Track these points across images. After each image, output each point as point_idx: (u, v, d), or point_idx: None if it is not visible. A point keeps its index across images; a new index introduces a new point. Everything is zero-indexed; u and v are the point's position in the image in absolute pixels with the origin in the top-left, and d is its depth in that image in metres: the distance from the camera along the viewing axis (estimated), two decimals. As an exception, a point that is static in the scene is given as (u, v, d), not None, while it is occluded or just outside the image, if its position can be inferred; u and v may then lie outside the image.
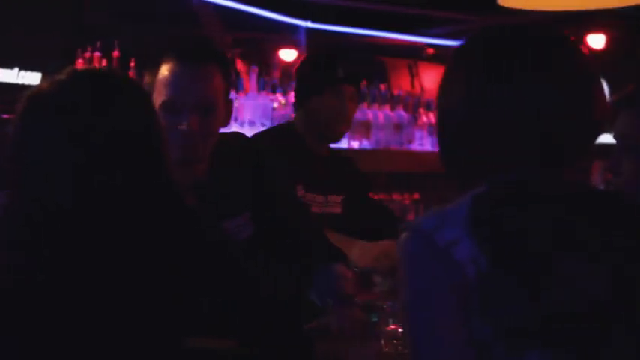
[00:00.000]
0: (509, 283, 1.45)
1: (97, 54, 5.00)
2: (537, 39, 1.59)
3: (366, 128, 5.95)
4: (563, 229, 1.50)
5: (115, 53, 5.08)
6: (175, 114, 2.51)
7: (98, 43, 5.01)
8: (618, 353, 1.48)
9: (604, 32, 7.31)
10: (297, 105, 3.44)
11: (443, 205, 1.54)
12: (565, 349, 1.45)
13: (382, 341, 2.66)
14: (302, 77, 3.46)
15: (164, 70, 2.53)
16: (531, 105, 1.52)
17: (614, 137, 2.23)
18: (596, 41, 7.40)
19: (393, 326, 2.66)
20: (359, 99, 3.50)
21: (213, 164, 2.64)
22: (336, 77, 3.35)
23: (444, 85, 1.62)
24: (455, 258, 1.45)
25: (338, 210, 3.50)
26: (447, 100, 1.62)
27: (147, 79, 2.59)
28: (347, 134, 5.69)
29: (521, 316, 1.44)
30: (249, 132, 5.36)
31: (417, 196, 6.20)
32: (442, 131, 1.63)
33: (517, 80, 1.54)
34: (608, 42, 7.34)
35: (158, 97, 2.52)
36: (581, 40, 7.38)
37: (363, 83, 5.97)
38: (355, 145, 5.82)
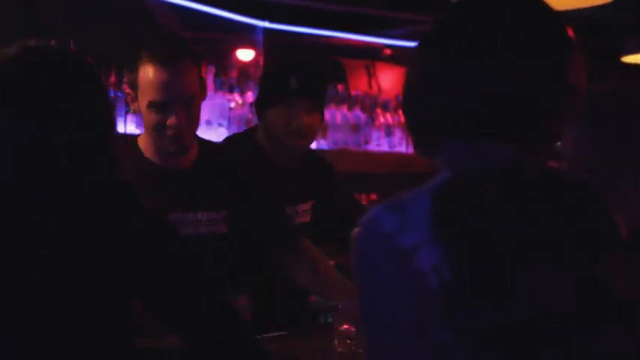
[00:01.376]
0: (472, 291, 1.42)
1: (52, 53, 4.95)
2: (507, 11, 1.56)
3: (323, 128, 5.95)
4: (527, 230, 1.47)
5: (70, 52, 5.03)
6: (163, 111, 2.79)
7: (53, 43, 4.96)
8: None
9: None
10: (257, 116, 3.39)
11: (396, 198, 1.49)
12: (526, 358, 1.44)
13: (335, 341, 2.66)
14: (259, 89, 3.41)
15: (147, 72, 2.79)
16: (495, 81, 1.49)
17: (563, 156, 2.10)
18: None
19: (346, 326, 2.66)
20: (320, 110, 3.40)
21: (198, 159, 2.97)
22: (288, 89, 3.27)
23: (410, 67, 1.61)
24: (416, 267, 1.41)
25: (307, 219, 3.46)
26: (410, 78, 1.60)
27: (127, 77, 2.87)
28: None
29: (483, 325, 1.41)
30: (206, 132, 5.36)
31: (374, 196, 6.20)
32: (406, 100, 1.61)
33: (480, 54, 1.52)
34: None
35: (144, 97, 2.80)
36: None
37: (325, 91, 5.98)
38: (312, 145, 5.81)
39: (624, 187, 2.00)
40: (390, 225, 1.44)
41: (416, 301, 1.42)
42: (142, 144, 2.94)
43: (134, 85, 2.83)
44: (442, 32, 1.60)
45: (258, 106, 3.34)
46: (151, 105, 2.80)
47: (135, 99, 2.84)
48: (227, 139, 3.61)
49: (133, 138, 3.02)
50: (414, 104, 1.58)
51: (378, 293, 1.45)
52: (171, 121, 2.80)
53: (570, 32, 1.56)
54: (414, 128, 1.61)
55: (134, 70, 2.82)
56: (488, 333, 1.41)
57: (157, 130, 2.81)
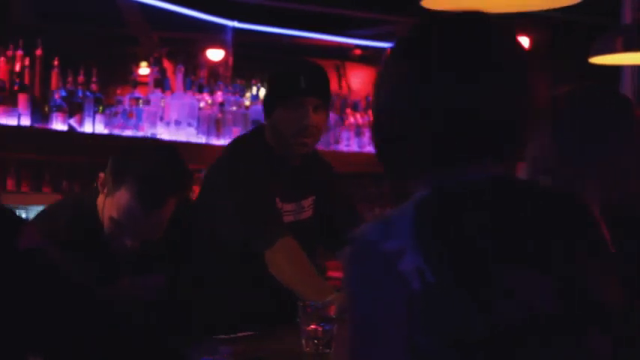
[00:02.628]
0: (453, 295, 1.42)
1: (20, 52, 4.94)
2: (467, 29, 1.56)
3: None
4: (505, 236, 1.48)
5: (38, 52, 5.02)
6: (121, 233, 2.74)
7: (20, 42, 4.94)
8: None
9: (527, 35, 7.39)
10: (265, 116, 3.40)
11: (386, 212, 1.52)
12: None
13: (303, 341, 2.66)
14: (267, 88, 3.42)
15: (125, 197, 2.69)
16: (464, 99, 1.50)
17: (525, 158, 2.12)
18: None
19: (313, 326, 2.66)
20: (327, 110, 3.43)
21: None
22: (297, 89, 3.29)
23: (377, 85, 1.60)
24: (400, 270, 1.43)
25: (310, 212, 3.47)
26: (378, 100, 1.60)
27: (105, 179, 2.74)
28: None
29: (464, 328, 1.42)
30: (175, 131, 5.36)
31: (344, 196, 6.21)
32: (376, 131, 1.61)
33: (447, 75, 1.51)
34: (532, 44, 7.43)
35: (111, 209, 2.72)
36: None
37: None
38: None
39: (587, 186, 2.02)
40: (376, 235, 1.46)
41: (402, 305, 1.43)
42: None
43: (110, 188, 2.74)
44: (407, 54, 1.59)
45: (267, 105, 3.35)
46: (113, 222, 2.73)
47: (107, 186, 2.75)
48: (236, 139, 3.62)
49: None
50: (389, 135, 1.58)
51: (367, 299, 1.47)
52: (126, 243, 2.76)
53: (525, 49, 1.58)
54: (393, 162, 1.61)
55: (117, 182, 2.71)
56: (469, 335, 1.42)
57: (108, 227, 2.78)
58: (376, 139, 1.62)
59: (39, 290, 1.87)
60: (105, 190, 2.76)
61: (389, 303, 1.44)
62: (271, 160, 3.31)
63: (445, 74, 1.51)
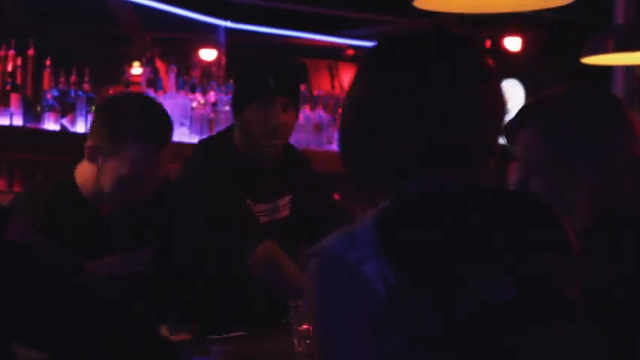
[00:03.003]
0: (413, 295, 1.44)
1: (12, 52, 4.93)
2: (438, 40, 1.59)
3: (286, 128, 5.96)
4: (467, 238, 1.50)
5: (30, 51, 5.02)
6: (130, 188, 2.79)
7: (13, 41, 4.94)
8: None
9: (520, 35, 7.40)
10: (233, 115, 3.36)
11: (347, 227, 1.51)
12: (476, 353, 1.46)
13: (295, 341, 2.66)
14: (235, 87, 3.38)
15: (135, 146, 2.74)
16: (428, 107, 1.52)
17: (517, 159, 2.09)
18: (513, 44, 7.50)
19: (305, 326, 2.66)
20: (297, 109, 3.39)
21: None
22: (266, 88, 3.25)
23: (349, 91, 1.62)
24: (364, 275, 1.44)
25: (286, 212, 3.45)
26: (347, 104, 1.61)
27: (98, 146, 2.77)
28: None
29: (426, 328, 1.43)
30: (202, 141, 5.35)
31: (336, 196, 6.20)
32: (343, 135, 1.62)
33: (413, 82, 1.52)
34: (525, 44, 7.44)
35: (119, 168, 2.74)
36: (498, 43, 7.48)
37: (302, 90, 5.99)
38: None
39: (579, 187, 2.02)
40: (339, 247, 1.48)
41: (367, 311, 1.44)
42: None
43: (112, 142, 2.76)
44: (374, 65, 1.60)
45: (235, 104, 3.31)
46: (123, 179, 2.76)
47: (103, 151, 2.77)
48: (203, 141, 3.59)
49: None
50: (358, 146, 1.60)
51: (333, 309, 1.48)
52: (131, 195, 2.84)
53: (491, 62, 1.61)
54: (362, 172, 1.62)
55: (119, 137, 2.75)
56: (431, 334, 1.43)
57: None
58: (343, 150, 1.62)
59: (33, 288, 1.87)
60: (99, 158, 2.76)
61: (354, 311, 1.45)
62: (239, 162, 3.28)
63: (415, 85, 1.53)
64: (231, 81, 6.01)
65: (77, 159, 2.86)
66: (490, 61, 1.60)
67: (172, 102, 5.43)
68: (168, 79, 5.64)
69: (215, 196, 3.18)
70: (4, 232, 1.87)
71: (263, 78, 3.21)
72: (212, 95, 5.73)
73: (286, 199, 3.42)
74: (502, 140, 1.63)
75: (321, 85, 6.66)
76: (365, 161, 1.59)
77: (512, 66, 7.49)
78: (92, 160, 2.77)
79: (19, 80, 4.93)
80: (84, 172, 2.83)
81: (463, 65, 1.57)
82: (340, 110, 1.66)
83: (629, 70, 5.77)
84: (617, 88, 5.71)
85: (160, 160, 2.80)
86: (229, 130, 3.40)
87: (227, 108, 5.71)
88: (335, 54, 7.02)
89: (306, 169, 3.56)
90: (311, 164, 3.59)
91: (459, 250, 1.48)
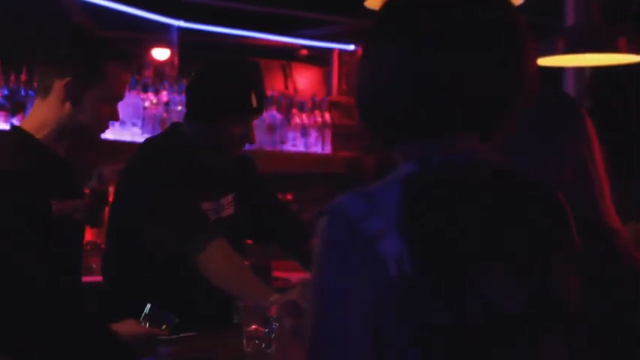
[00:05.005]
0: (429, 288, 1.40)
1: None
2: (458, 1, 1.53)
3: (238, 129, 5.94)
4: (485, 233, 1.46)
5: (-20, 51, 4.97)
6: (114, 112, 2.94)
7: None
8: None
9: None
10: (200, 119, 3.33)
11: (368, 184, 1.46)
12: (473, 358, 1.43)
13: (244, 341, 2.66)
14: (214, 96, 3.33)
15: (115, 71, 2.88)
16: (454, 69, 1.48)
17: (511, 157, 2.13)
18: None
19: (254, 327, 2.66)
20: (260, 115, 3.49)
21: None
22: (249, 108, 3.28)
23: (362, 58, 1.58)
24: (379, 254, 1.39)
25: (230, 210, 3.44)
26: (363, 71, 1.57)
27: (76, 81, 2.82)
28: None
29: (431, 323, 1.40)
30: (119, 131, 5.32)
31: (290, 196, 6.21)
32: (359, 98, 1.58)
33: (433, 45, 1.48)
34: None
35: (104, 94, 2.86)
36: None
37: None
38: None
39: (576, 185, 2.03)
40: (357, 210, 1.42)
41: (374, 290, 1.40)
42: None
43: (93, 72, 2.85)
44: (396, 20, 1.54)
45: (210, 111, 3.29)
46: (114, 100, 2.91)
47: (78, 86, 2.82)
48: (150, 139, 3.58)
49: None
50: (372, 99, 1.54)
51: (338, 278, 1.42)
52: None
53: (524, 22, 1.56)
54: (373, 122, 1.57)
55: (98, 65, 2.86)
56: (439, 330, 1.40)
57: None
58: (363, 103, 1.58)
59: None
60: (73, 93, 2.80)
61: (360, 290, 1.40)
62: (188, 160, 3.29)
63: (436, 44, 1.49)
64: (185, 81, 6.00)
65: None
66: (521, 23, 1.55)
67: (124, 102, 5.32)
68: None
69: (164, 192, 3.17)
70: None
71: (245, 96, 3.23)
72: (164, 95, 5.70)
73: (229, 198, 3.42)
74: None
75: (275, 85, 6.66)
76: (391, 115, 1.54)
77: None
78: (69, 96, 2.79)
79: (-32, 79, 4.89)
80: (35, 118, 2.86)
81: (493, 28, 1.52)
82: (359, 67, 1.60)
83: (580, 71, 5.82)
84: (568, 89, 5.76)
85: None
86: (176, 130, 3.40)
87: (179, 108, 5.68)
88: (288, 54, 7.02)
89: (248, 165, 3.59)
90: (253, 161, 3.62)
91: (477, 248, 1.45)
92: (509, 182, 1.56)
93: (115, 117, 2.93)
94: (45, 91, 2.81)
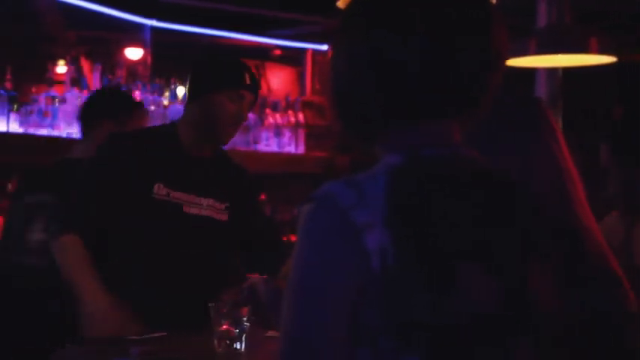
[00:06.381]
0: (411, 284, 1.40)
1: None
2: None
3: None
4: (474, 231, 1.47)
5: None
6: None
7: None
8: None
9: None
10: (192, 97, 3.38)
11: (356, 173, 1.46)
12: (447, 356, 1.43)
13: (215, 341, 2.65)
14: (205, 71, 3.38)
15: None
16: (428, 55, 1.48)
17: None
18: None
19: (225, 327, 2.65)
20: (252, 109, 3.52)
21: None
22: (244, 83, 3.34)
23: (334, 55, 1.57)
24: (364, 245, 1.39)
25: (223, 217, 3.44)
26: (336, 68, 1.56)
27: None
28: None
29: (413, 319, 1.40)
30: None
31: (263, 196, 6.21)
32: (335, 94, 1.58)
33: (406, 35, 1.49)
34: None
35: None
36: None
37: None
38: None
39: (547, 184, 2.04)
40: (346, 200, 1.41)
41: (357, 281, 1.40)
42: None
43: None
44: (367, 14, 1.55)
45: (203, 86, 3.33)
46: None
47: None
48: (144, 129, 3.66)
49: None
50: (349, 90, 1.54)
51: (323, 266, 1.42)
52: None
53: (497, 11, 1.56)
54: (351, 115, 1.57)
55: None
56: (419, 326, 1.40)
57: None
58: (337, 96, 1.58)
59: None
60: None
61: (344, 275, 1.41)
62: (171, 147, 3.32)
63: (408, 34, 1.50)
64: (158, 80, 5.99)
65: None
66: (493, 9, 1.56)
67: (97, 101, 5.37)
68: (93, 78, 5.58)
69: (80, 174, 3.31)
70: None
71: (241, 73, 3.33)
72: (137, 94, 5.68)
73: (222, 205, 3.42)
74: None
75: (248, 85, 6.64)
76: (368, 104, 1.54)
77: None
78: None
79: (-61, 78, 4.86)
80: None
81: (467, 12, 1.53)
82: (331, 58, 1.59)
83: (553, 72, 5.84)
84: (540, 90, 5.78)
85: None
86: (172, 123, 3.47)
87: (153, 107, 5.67)
88: (262, 54, 7.01)
89: (244, 176, 3.60)
90: (249, 173, 3.64)
91: (461, 243, 1.46)
92: (495, 181, 1.57)
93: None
94: None
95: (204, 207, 3.37)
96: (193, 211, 3.33)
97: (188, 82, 3.42)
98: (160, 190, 3.27)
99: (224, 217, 3.42)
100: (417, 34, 1.49)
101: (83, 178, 3.29)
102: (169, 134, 3.36)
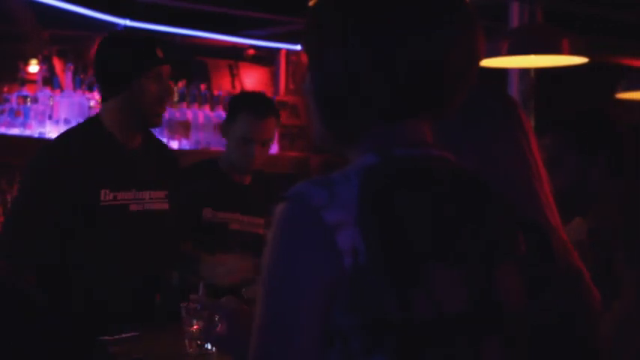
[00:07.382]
0: (381, 283, 1.41)
1: None
2: None
3: (185, 128, 5.92)
4: (445, 231, 1.48)
5: None
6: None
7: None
8: None
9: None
10: (111, 93, 3.33)
11: (328, 173, 1.47)
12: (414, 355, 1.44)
13: (186, 342, 2.66)
14: (117, 62, 3.32)
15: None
16: (403, 54, 1.49)
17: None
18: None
19: (196, 327, 2.65)
20: (173, 77, 3.51)
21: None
22: (157, 59, 3.29)
23: (308, 62, 1.57)
24: (336, 244, 1.40)
25: (164, 206, 3.43)
26: (312, 65, 1.57)
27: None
28: (166, 133, 5.65)
29: (381, 317, 1.41)
30: (64, 130, 5.27)
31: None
32: (316, 96, 1.58)
33: (377, 34, 1.50)
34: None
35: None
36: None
37: (183, 81, 5.95)
38: (174, 145, 5.78)
39: (514, 182, 2.05)
40: (318, 199, 1.42)
41: (329, 279, 1.40)
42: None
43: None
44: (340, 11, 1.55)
45: (119, 78, 3.29)
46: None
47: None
48: (69, 130, 3.55)
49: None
50: (325, 91, 1.55)
51: (295, 264, 1.42)
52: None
53: (467, 4, 1.57)
54: (330, 116, 1.57)
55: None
56: (389, 325, 1.41)
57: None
58: (317, 99, 1.59)
59: None
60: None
61: (317, 274, 1.41)
62: (109, 145, 3.29)
63: (379, 33, 1.50)
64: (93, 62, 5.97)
65: None
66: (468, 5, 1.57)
67: (69, 101, 5.36)
68: (65, 78, 5.56)
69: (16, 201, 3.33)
70: None
71: (150, 49, 3.30)
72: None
73: (162, 194, 3.42)
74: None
75: (222, 84, 6.64)
76: (346, 106, 1.55)
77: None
78: None
79: None
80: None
81: (440, 9, 1.54)
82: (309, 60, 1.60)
83: (525, 72, 5.88)
84: (512, 90, 5.82)
85: None
86: (94, 119, 3.41)
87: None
88: (235, 54, 7.00)
89: (176, 164, 3.63)
90: (177, 160, 3.67)
91: (429, 245, 1.46)
92: (465, 181, 1.58)
93: None
94: None
95: (147, 200, 3.36)
96: (139, 207, 3.33)
97: (101, 74, 3.37)
98: (106, 196, 3.25)
99: (165, 205, 3.42)
100: (390, 34, 1.50)
101: (25, 209, 3.25)
102: (98, 133, 3.31)
